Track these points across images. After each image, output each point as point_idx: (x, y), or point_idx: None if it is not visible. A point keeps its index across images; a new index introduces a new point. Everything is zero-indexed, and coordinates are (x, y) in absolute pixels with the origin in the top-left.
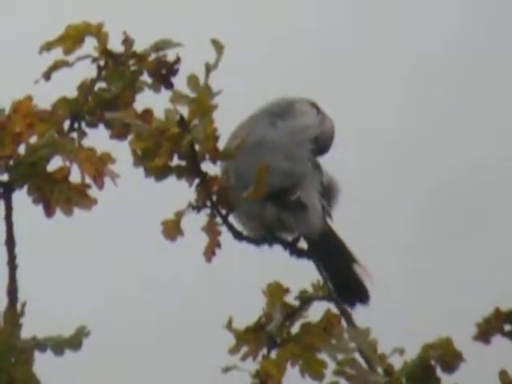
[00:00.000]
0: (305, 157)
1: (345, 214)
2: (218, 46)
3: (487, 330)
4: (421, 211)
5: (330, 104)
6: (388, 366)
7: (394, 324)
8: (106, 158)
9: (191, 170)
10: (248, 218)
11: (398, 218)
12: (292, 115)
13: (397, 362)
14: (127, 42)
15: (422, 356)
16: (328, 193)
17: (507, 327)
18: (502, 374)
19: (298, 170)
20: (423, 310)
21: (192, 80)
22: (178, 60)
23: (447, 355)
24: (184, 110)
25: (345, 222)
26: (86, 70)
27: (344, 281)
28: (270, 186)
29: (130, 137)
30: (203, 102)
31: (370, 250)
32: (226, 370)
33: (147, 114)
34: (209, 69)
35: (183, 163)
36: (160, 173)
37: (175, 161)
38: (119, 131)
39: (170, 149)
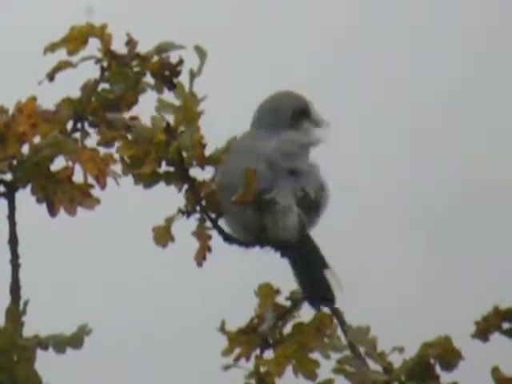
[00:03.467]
0: (286, 168)
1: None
2: (201, 53)
3: (486, 327)
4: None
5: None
6: (388, 364)
7: (393, 322)
8: (109, 159)
9: (179, 176)
10: (234, 223)
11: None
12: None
13: (396, 361)
14: (130, 43)
15: (421, 354)
16: (311, 200)
17: (506, 325)
18: (495, 371)
19: (276, 177)
20: (425, 308)
21: (177, 87)
22: (180, 62)
23: (446, 353)
24: (170, 117)
25: (347, 220)
26: (89, 71)
27: (312, 283)
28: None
29: (117, 144)
30: (189, 109)
31: (370, 250)
32: (226, 368)
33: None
34: (193, 76)
35: (171, 169)
36: (149, 180)
37: (164, 167)
38: (106, 138)
39: (158, 156)
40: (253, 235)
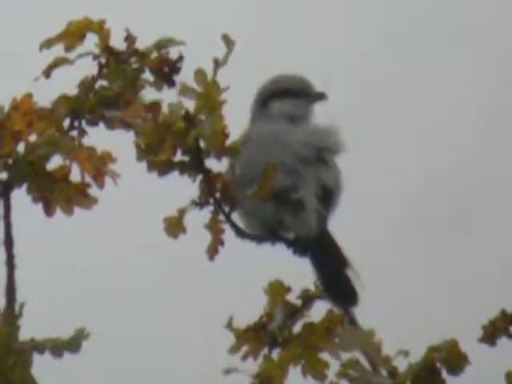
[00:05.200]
0: (311, 160)
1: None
2: (229, 42)
3: (493, 331)
4: (415, 208)
5: None
6: (392, 368)
7: (398, 325)
8: (107, 157)
9: (195, 166)
10: (249, 216)
11: (395, 217)
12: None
13: (401, 364)
14: (129, 39)
15: (426, 358)
16: (330, 196)
17: None
18: (508, 376)
19: (303, 171)
20: (427, 309)
21: (199, 75)
22: (180, 58)
23: (452, 357)
24: (189, 105)
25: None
26: (87, 68)
27: (335, 283)
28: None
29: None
30: (211, 97)
31: (369, 252)
32: (227, 371)
33: (155, 106)
34: (217, 64)
35: (187, 159)
36: (163, 168)
37: (179, 156)
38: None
39: (175, 144)
40: (268, 230)
